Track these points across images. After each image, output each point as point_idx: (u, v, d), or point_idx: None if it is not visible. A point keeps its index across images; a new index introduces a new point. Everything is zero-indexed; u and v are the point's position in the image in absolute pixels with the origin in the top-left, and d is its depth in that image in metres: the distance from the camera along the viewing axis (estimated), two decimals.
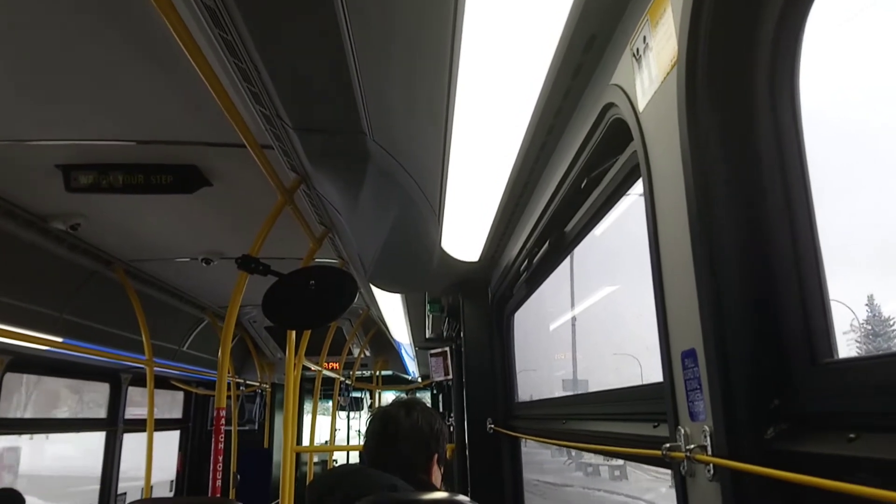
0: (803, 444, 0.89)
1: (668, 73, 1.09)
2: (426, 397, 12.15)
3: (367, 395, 12.49)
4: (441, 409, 8.84)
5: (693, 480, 1.09)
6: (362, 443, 1.94)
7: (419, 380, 12.05)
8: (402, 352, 9.52)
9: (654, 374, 1.31)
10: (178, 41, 1.90)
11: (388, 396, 12.44)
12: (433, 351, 5.22)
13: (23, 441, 5.43)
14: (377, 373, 11.49)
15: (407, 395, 11.55)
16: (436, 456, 1.86)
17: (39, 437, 5.71)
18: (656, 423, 1.45)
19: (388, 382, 12.34)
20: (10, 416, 5.70)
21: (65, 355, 5.50)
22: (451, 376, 4.91)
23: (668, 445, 1.13)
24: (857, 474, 0.76)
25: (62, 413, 6.80)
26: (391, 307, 5.61)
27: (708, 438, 1.01)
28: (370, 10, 1.48)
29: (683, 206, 1.05)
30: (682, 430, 1.10)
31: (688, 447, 1.07)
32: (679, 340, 1.11)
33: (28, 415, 6.22)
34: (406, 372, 11.74)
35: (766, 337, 0.95)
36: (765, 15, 0.93)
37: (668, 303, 1.16)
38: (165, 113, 2.69)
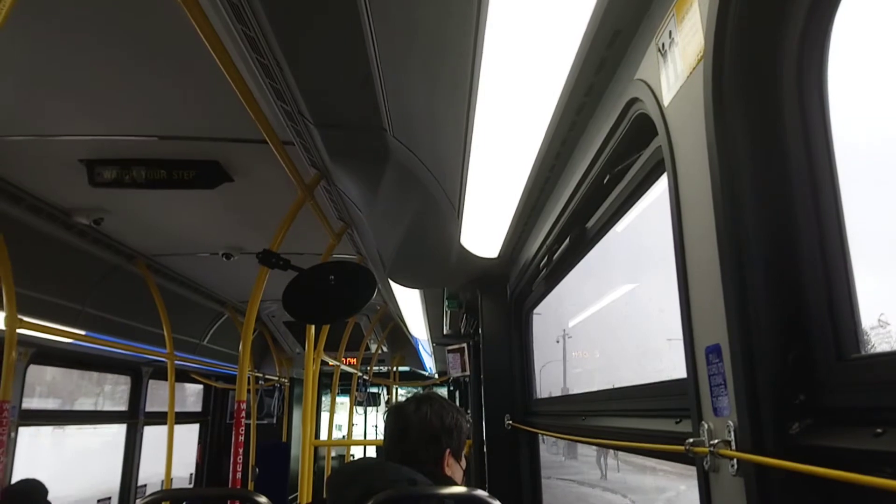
0: (829, 438, 0.88)
1: (694, 68, 1.08)
2: (442, 393, 12.16)
3: (385, 390, 12.55)
4: (458, 405, 8.83)
5: (716, 476, 1.09)
6: (379, 437, 1.95)
7: (436, 376, 12.08)
8: (420, 348, 9.56)
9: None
10: (200, 36, 1.92)
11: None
12: (450, 347, 5.23)
13: None
14: (394, 368, 11.54)
15: (424, 390, 11.58)
16: (448, 450, 1.85)
17: None
18: (679, 419, 1.45)
19: (406, 378, 12.39)
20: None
21: (87, 348, 5.58)
22: (468, 372, 4.90)
23: (691, 441, 1.13)
24: (884, 469, 0.75)
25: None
26: (409, 303, 5.62)
27: (732, 434, 1.00)
28: (392, 5, 1.49)
29: (709, 201, 1.04)
30: (706, 426, 1.10)
31: (711, 442, 1.06)
32: (703, 336, 1.11)
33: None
34: (423, 368, 11.79)
35: (792, 332, 0.95)
36: (793, 8, 0.93)
37: (692, 298, 1.15)
38: (187, 108, 2.72)
